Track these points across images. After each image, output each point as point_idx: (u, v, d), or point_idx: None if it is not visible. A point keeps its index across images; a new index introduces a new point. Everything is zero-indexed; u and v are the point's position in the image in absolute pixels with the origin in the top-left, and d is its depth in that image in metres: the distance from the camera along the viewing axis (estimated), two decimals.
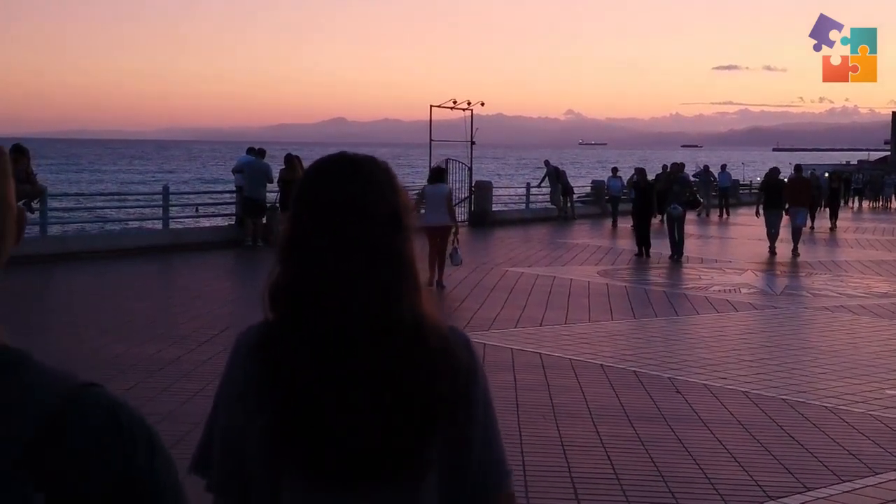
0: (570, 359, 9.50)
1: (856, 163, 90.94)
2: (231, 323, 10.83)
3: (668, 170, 22.49)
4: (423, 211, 13.69)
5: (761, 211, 21.13)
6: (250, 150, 20.50)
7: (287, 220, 1.75)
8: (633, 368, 9.15)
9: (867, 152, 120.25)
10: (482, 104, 26.14)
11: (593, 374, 8.88)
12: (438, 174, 14.85)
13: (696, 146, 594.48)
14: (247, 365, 1.68)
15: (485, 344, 10.04)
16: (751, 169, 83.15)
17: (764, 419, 7.52)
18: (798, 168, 22.59)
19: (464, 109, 26.25)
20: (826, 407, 7.96)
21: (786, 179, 22.54)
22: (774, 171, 21.30)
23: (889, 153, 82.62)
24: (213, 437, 1.73)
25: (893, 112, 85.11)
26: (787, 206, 20.44)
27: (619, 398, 8.01)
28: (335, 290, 1.65)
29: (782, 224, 20.86)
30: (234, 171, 21.00)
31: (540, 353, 9.68)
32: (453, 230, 14.11)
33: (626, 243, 22.06)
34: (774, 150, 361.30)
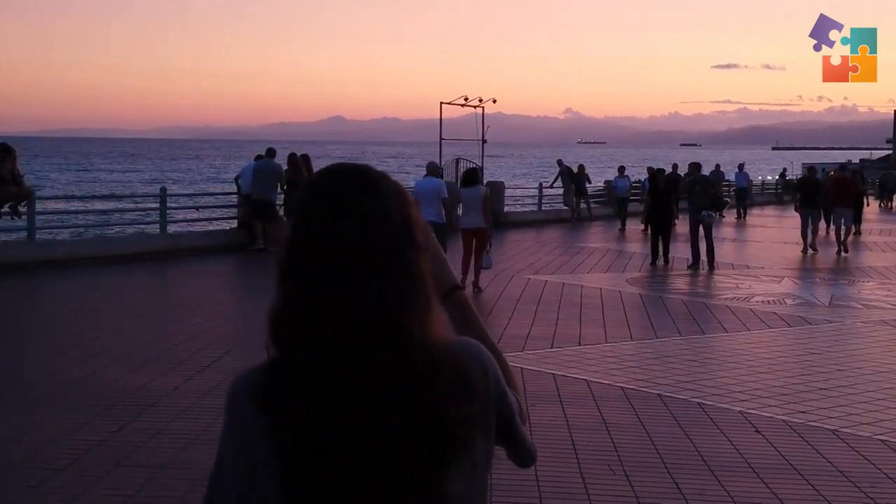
0: (622, 387, 8.34)
1: (857, 161, 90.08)
2: (235, 344, 9.67)
3: (688, 170, 21.28)
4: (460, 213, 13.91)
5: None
6: (259, 158, 19.13)
7: (287, 232, 1.57)
8: (697, 399, 7.99)
9: (869, 151, 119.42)
10: (494, 101, 25.10)
11: (653, 408, 7.72)
12: (472, 175, 14.39)
13: (695, 145, 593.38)
14: (247, 412, 1.50)
15: (522, 368, 8.89)
16: (752, 168, 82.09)
17: (868, 468, 6.36)
18: (843, 166, 21.59)
19: (475, 107, 25.20)
20: None
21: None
22: (812, 171, 20.47)
23: (891, 151, 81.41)
24: (218, 492, 1.56)
25: (895, 111, 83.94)
26: (826, 205, 19.53)
27: (691, 440, 6.85)
28: (333, 302, 1.47)
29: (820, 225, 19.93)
30: (237, 178, 19.86)
31: (587, 381, 8.52)
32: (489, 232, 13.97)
33: (645, 247, 20.93)
34: (774, 148, 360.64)
